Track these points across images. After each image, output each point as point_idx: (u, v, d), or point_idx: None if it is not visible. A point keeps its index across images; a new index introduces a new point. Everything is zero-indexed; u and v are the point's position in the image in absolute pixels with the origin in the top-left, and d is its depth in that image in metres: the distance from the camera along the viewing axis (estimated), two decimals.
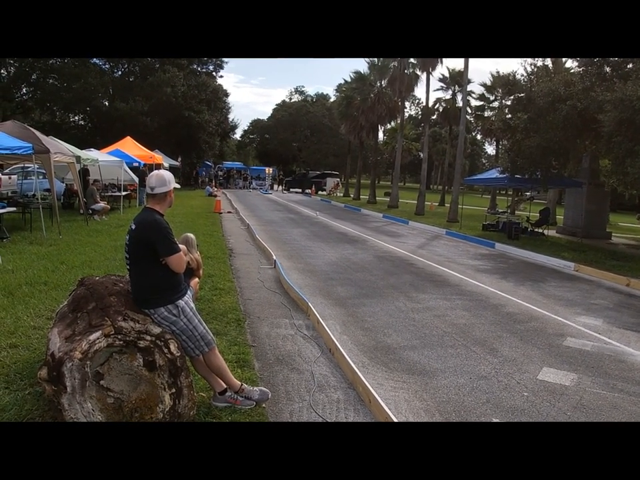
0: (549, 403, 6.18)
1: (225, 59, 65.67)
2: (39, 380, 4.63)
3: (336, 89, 68.98)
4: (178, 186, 6.26)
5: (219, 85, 65.11)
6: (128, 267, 5.08)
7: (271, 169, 69.98)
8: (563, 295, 12.49)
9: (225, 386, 5.34)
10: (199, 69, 62.78)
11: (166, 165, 38.74)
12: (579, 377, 7.11)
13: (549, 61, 25.49)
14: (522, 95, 24.68)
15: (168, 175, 5.18)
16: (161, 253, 4.88)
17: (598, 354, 8.15)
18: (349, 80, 53.99)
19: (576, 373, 7.23)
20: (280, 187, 66.32)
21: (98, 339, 4.53)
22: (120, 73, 60.84)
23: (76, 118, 61.35)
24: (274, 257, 13.48)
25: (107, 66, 59.56)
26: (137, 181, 28.94)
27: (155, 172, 5.24)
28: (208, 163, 65.90)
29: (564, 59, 30.09)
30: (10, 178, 24.37)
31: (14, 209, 16.54)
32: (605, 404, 6.28)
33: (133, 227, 5.02)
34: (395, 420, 5.09)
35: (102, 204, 21.22)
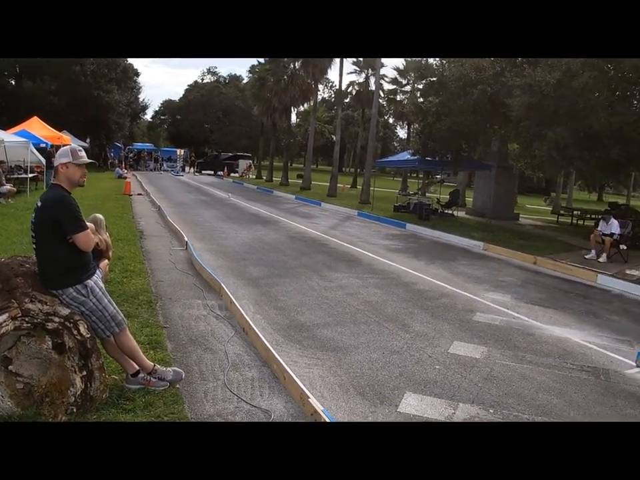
0: (460, 375, 6.28)
1: None
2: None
3: (249, 70, 68.48)
4: (87, 160, 5.95)
5: (129, 64, 63.57)
6: (34, 246, 4.86)
7: (182, 151, 68.79)
8: (473, 272, 12.77)
9: (138, 367, 5.19)
10: None
11: (74, 145, 37.62)
12: (489, 349, 7.27)
13: None
14: (434, 79, 25.12)
15: (65, 149, 5.01)
16: (68, 230, 4.69)
17: (507, 328, 8.36)
18: (262, 61, 53.65)
19: (486, 346, 7.38)
20: (192, 169, 65.32)
21: (5, 321, 4.33)
22: None
23: None
24: (185, 239, 13.24)
25: None
26: (44, 163, 28.00)
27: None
28: (117, 144, 64.29)
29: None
30: None
31: None
32: (515, 375, 6.44)
33: (39, 204, 4.82)
34: (310, 395, 5.06)
35: (7, 186, 20.41)
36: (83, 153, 5.06)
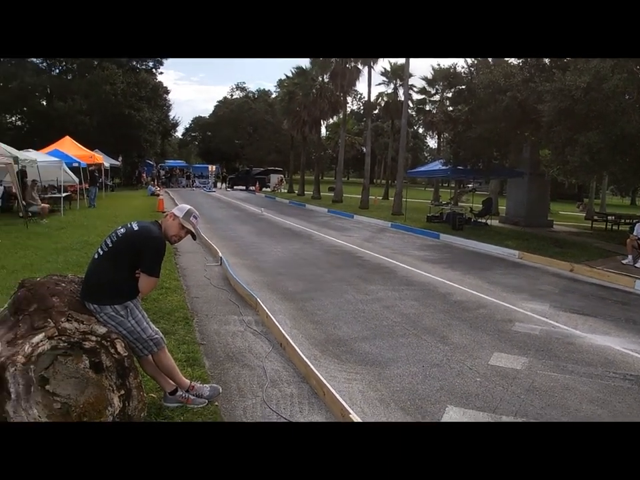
0: (502, 387, 6.21)
1: None
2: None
3: (277, 85, 68.84)
4: (191, 228, 6.13)
5: (159, 82, 64.41)
6: (100, 254, 4.93)
7: (214, 167, 69.31)
8: (509, 282, 12.64)
9: (175, 385, 5.21)
10: (138, 65, 61.85)
11: (106, 164, 38.18)
12: (530, 360, 7.18)
13: None
14: (463, 87, 24.95)
15: (186, 207, 5.37)
16: (144, 267, 4.81)
17: (546, 337, 8.25)
18: (290, 75, 53.87)
19: (526, 357, 7.29)
20: (223, 184, 65.74)
21: (41, 341, 4.35)
22: (58, 71, 59.62)
23: (13, 119, 59.96)
24: (220, 254, 13.31)
25: (44, 64, 58.29)
26: (77, 182, 28.41)
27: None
28: (149, 161, 65.03)
29: None
30: None
31: None
32: (557, 386, 6.35)
33: (136, 227, 4.93)
34: (350, 411, 5.03)
35: (41, 205, 20.74)
36: (195, 221, 5.30)
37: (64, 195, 24.91)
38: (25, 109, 56.31)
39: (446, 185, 59.87)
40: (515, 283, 12.52)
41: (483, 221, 26.30)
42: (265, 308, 8.56)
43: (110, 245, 4.89)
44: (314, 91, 48.24)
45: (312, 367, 6.11)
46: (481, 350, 7.52)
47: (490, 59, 24.61)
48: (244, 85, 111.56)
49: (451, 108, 27.71)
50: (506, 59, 27.11)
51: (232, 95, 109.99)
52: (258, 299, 9.04)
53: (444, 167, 25.60)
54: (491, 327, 8.66)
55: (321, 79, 48.73)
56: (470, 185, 32.52)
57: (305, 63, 53.06)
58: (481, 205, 27.64)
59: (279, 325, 7.72)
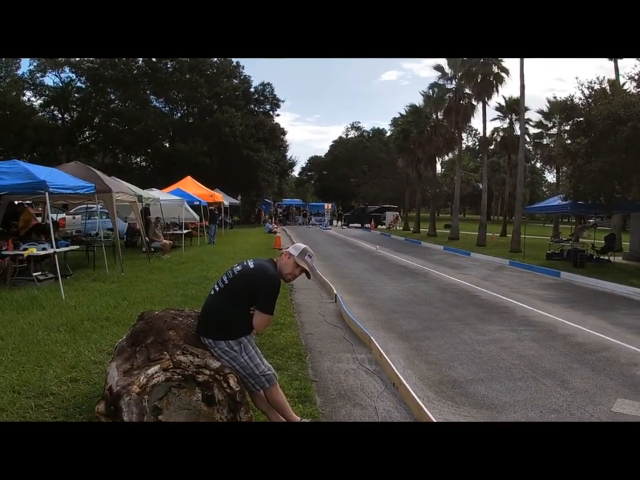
0: None
1: (281, 98, 66.75)
2: (97, 414, 4.60)
3: (391, 123, 69.18)
4: (306, 267, 6.26)
5: (276, 123, 66.21)
6: (216, 291, 5.11)
7: (329, 205, 70.29)
8: (634, 322, 12.06)
9: (286, 422, 5.24)
10: (256, 108, 63.89)
11: (226, 203, 39.34)
12: None
13: (606, 83, 24.98)
14: (581, 119, 24.24)
15: (301, 246, 5.36)
16: (259, 305, 4.94)
17: None
18: (404, 113, 54.17)
19: None
20: (339, 222, 66.45)
21: (156, 372, 4.52)
22: (179, 115, 62.57)
23: (138, 159, 63.45)
24: (335, 291, 13.39)
25: (166, 108, 61.26)
26: (198, 219, 29.47)
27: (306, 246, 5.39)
28: (267, 200, 66.65)
29: (622, 81, 29.59)
30: (74, 218, 25.31)
31: (78, 247, 16.90)
32: None
33: (252, 265, 5.10)
34: None
35: (163, 241, 21.60)
36: (310, 260, 5.31)
37: (185, 231, 25.95)
38: (149, 150, 59.36)
39: (566, 220, 58.22)
40: None
41: (606, 257, 25.29)
42: (379, 346, 8.52)
43: (226, 282, 5.05)
44: (428, 128, 48.20)
45: (425, 409, 5.99)
46: (603, 395, 7.18)
47: (608, 90, 23.91)
48: (359, 125, 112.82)
49: (569, 141, 26.91)
50: (625, 88, 26.33)
51: (347, 135, 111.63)
52: (372, 337, 9.01)
53: (563, 202, 24.86)
54: (615, 371, 8.26)
55: (435, 116, 48.67)
56: (591, 220, 31.55)
57: (418, 100, 53.10)
58: (604, 241, 26.64)
59: (392, 364, 7.66)
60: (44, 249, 13.40)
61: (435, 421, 5.68)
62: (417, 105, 50.45)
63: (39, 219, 17.88)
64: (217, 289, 5.10)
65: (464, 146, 73.45)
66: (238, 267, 5.12)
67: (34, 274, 13.21)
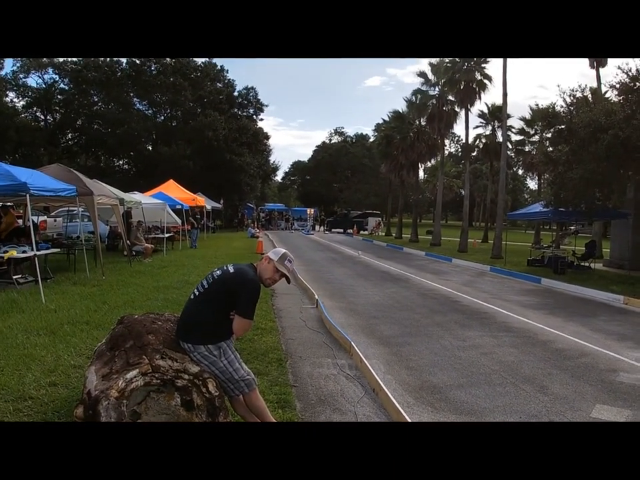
0: None
1: (265, 102, 66.71)
2: (75, 418, 4.57)
3: (375, 129, 69.60)
4: (285, 272, 6.12)
5: (260, 128, 66.16)
6: (196, 295, 5.10)
7: (312, 210, 70.44)
8: (614, 329, 12.16)
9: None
10: (239, 112, 63.84)
11: (208, 207, 39.30)
12: (634, 413, 6.83)
13: (588, 91, 25.15)
14: (562, 126, 24.39)
15: (281, 251, 5.33)
16: (239, 309, 4.91)
17: None
18: (387, 119, 54.39)
19: (631, 410, 6.94)
20: (322, 227, 66.55)
21: (135, 377, 4.51)
22: (163, 118, 62.39)
23: (120, 162, 63.23)
24: (316, 297, 13.39)
25: (150, 111, 61.12)
26: (180, 223, 29.40)
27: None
28: (250, 204, 66.62)
29: (603, 89, 29.84)
30: (55, 220, 25.19)
31: (58, 250, 16.81)
32: None
33: (232, 270, 5.08)
34: None
35: (144, 245, 21.53)
36: (289, 265, 5.26)
37: (167, 235, 25.86)
38: (131, 153, 59.19)
39: (547, 227, 58.55)
40: (620, 330, 12.02)
41: (586, 264, 25.50)
42: (359, 352, 8.53)
43: (206, 286, 5.03)
44: (411, 134, 48.44)
45: (404, 414, 6.01)
46: (582, 401, 7.22)
47: (590, 98, 24.08)
48: (342, 130, 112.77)
49: (550, 148, 27.08)
50: (606, 96, 26.54)
51: (330, 140, 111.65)
52: (352, 343, 9.02)
53: (545, 209, 25.05)
54: (594, 377, 8.31)
55: (418, 122, 48.90)
56: (572, 227, 31.76)
57: (401, 106, 53.32)
58: (584, 248, 26.82)
59: (372, 370, 7.66)
60: (24, 251, 13.29)
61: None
62: (400, 111, 50.73)
63: (20, 222, 17.75)
64: (197, 293, 5.08)
65: (446, 152, 73.87)
66: (218, 272, 5.10)
67: (14, 277, 13.12)
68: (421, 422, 5.31)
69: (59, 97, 59.01)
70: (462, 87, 38.39)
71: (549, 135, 30.00)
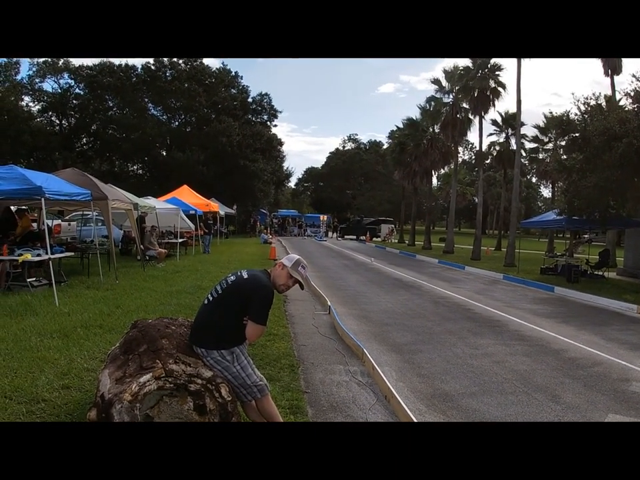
0: None
1: (279, 109, 66.83)
2: (88, 421, 4.60)
3: (388, 136, 69.60)
4: (299, 278, 6.12)
5: (273, 134, 66.36)
6: (210, 300, 5.13)
7: (325, 216, 70.42)
8: (627, 338, 12.10)
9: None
10: (253, 119, 64.01)
11: (222, 212, 39.36)
12: None
13: (602, 99, 25.06)
14: (576, 134, 24.30)
15: (295, 257, 5.32)
16: (252, 315, 4.92)
17: None
18: (401, 126, 54.42)
19: None
20: (334, 233, 66.46)
21: (148, 381, 4.53)
22: (177, 123, 62.62)
23: (134, 167, 63.66)
24: (329, 303, 13.40)
25: (164, 117, 61.40)
26: (193, 228, 29.46)
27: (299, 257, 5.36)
28: (263, 210, 66.73)
29: (617, 97, 29.74)
30: (70, 224, 25.25)
31: (72, 253, 16.93)
32: None
33: (245, 275, 5.11)
34: None
35: (158, 249, 21.61)
36: (303, 271, 5.28)
37: (180, 240, 25.90)
38: (146, 158, 59.56)
39: (561, 235, 58.24)
40: (634, 340, 11.95)
41: (600, 273, 25.38)
42: (371, 359, 8.52)
43: (220, 292, 5.06)
44: (424, 141, 48.32)
45: (416, 421, 6.00)
46: (594, 411, 7.19)
47: (604, 106, 23.98)
48: (356, 136, 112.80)
49: (564, 156, 27.01)
50: (621, 104, 26.41)
51: (344, 146, 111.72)
52: (364, 350, 9.02)
53: (558, 217, 24.94)
54: (606, 387, 8.28)
55: (431, 129, 48.84)
56: (586, 236, 31.57)
57: (415, 114, 53.32)
58: (598, 257, 26.69)
59: (384, 377, 7.66)
60: (39, 254, 13.39)
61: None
62: (414, 118, 50.66)
63: (35, 225, 17.86)
64: (211, 298, 5.11)
65: (460, 160, 73.45)
66: (232, 277, 5.13)
67: (28, 280, 13.22)
68: (428, 422, 5.30)
69: (74, 101, 59.45)
70: (476, 95, 38.32)
71: (563, 143, 29.88)
